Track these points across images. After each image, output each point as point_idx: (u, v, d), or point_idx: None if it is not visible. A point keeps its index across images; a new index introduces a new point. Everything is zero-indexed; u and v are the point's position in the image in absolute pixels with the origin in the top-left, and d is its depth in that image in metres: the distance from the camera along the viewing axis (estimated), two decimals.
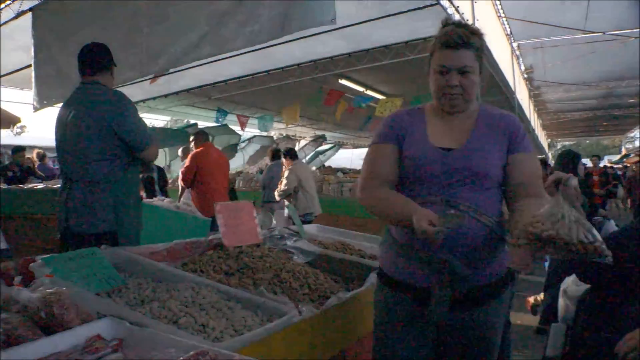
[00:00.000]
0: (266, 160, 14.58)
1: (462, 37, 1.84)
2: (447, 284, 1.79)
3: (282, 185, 7.59)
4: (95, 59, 3.17)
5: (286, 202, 7.15)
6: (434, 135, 1.94)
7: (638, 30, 11.68)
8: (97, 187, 2.97)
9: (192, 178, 6.35)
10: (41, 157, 11.69)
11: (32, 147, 15.86)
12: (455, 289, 1.80)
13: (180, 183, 6.75)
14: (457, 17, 8.57)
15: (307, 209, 7.49)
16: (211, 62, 8.44)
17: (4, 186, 6.09)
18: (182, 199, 6.56)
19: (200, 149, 6.54)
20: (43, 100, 5.86)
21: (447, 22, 1.95)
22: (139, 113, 3.36)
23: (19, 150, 9.13)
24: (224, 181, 6.86)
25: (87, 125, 2.97)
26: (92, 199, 2.96)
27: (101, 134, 2.94)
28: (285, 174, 7.65)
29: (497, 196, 1.92)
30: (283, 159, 7.92)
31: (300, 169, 7.85)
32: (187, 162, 6.59)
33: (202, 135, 6.92)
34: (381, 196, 1.93)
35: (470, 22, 9.10)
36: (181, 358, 1.21)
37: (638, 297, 2.12)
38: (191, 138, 6.99)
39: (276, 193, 7.75)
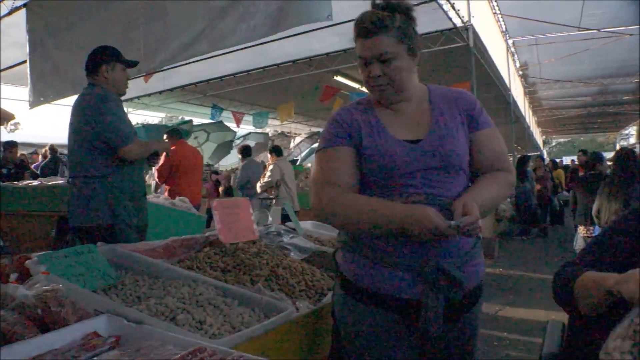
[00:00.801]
0: (262, 157, 14.57)
1: (375, 23, 1.64)
2: (441, 293, 1.59)
3: (266, 177, 7.99)
4: (88, 63, 3.36)
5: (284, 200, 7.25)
6: (393, 128, 1.74)
7: (635, 27, 11.70)
8: (92, 182, 3.12)
9: (167, 174, 6.59)
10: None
11: (26, 144, 15.82)
12: (449, 298, 1.60)
13: (155, 179, 6.96)
14: (452, 14, 8.59)
15: None
16: (206, 58, 8.43)
17: None
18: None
19: (174, 146, 6.75)
20: (39, 97, 5.85)
21: (373, 4, 1.73)
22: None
23: (11, 145, 9.05)
24: (198, 177, 7.24)
25: (75, 124, 3.23)
26: (88, 194, 3.12)
27: (87, 132, 3.13)
28: (270, 167, 8.08)
29: (466, 181, 1.77)
30: (268, 155, 8.23)
31: (284, 165, 8.33)
32: (162, 159, 6.72)
33: (175, 133, 7.18)
34: (349, 202, 1.66)
35: (466, 19, 9.12)
36: (179, 355, 1.21)
37: None
38: (165, 136, 7.21)
39: (258, 185, 8.08)
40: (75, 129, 3.21)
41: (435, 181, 1.66)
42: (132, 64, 3.40)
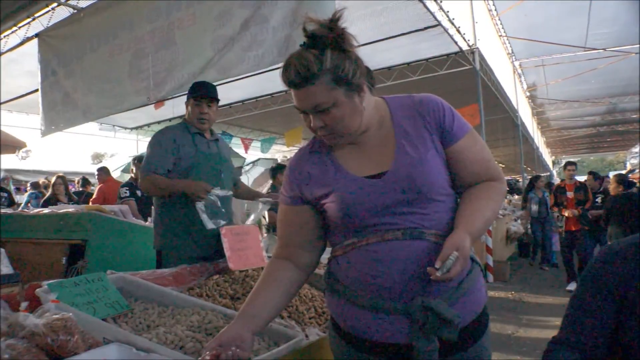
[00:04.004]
0: (271, 183, 14.57)
1: (300, 73, 1.41)
2: (433, 334, 1.42)
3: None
4: None
5: None
6: (353, 164, 1.56)
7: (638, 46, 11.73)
8: (156, 210, 3.28)
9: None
10: (35, 186, 12.02)
11: (37, 172, 15.98)
12: (442, 337, 1.42)
13: None
14: (458, 37, 8.65)
15: None
16: (215, 85, 8.51)
17: (9, 210, 6.13)
18: None
19: (103, 184, 7.59)
20: (50, 125, 5.93)
21: (301, 44, 1.48)
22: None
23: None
24: None
25: None
26: (154, 220, 3.30)
27: None
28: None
29: (452, 203, 1.57)
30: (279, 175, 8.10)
31: None
32: (94, 195, 7.69)
33: (104, 171, 8.05)
34: (265, 268, 1.67)
35: (471, 42, 9.19)
36: None
37: None
38: (96, 174, 7.97)
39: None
40: None
41: (412, 214, 1.48)
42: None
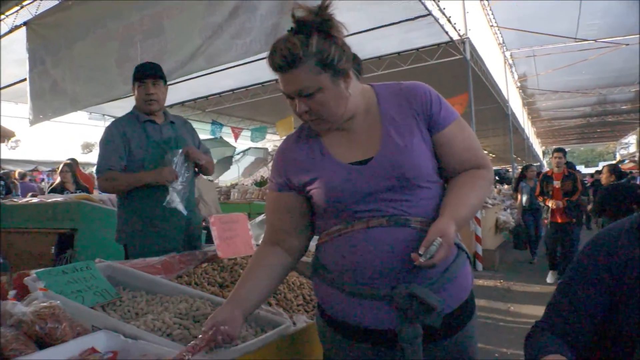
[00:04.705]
0: (261, 172, 14.58)
1: (286, 57, 1.42)
2: (418, 322, 1.43)
3: None
4: None
5: None
6: (339, 150, 1.58)
7: (631, 37, 11.77)
8: (118, 204, 3.24)
9: None
10: (22, 176, 11.92)
11: (26, 162, 15.85)
12: (426, 324, 1.44)
13: None
14: (449, 27, 8.65)
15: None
16: (205, 74, 8.50)
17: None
18: None
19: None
20: (39, 114, 5.89)
21: (288, 29, 1.49)
22: None
23: None
24: None
25: None
26: (117, 215, 3.22)
27: None
28: None
29: (438, 190, 1.57)
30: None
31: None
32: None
33: (68, 166, 7.98)
34: (253, 256, 1.72)
35: (462, 32, 9.20)
36: None
37: None
38: (59, 168, 7.85)
39: None
40: None
41: (398, 201, 1.49)
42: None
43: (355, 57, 1.59)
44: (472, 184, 1.55)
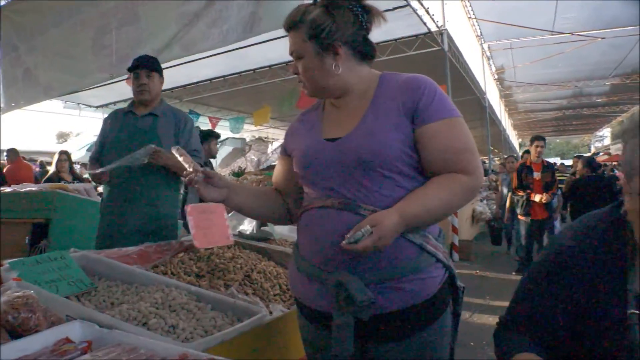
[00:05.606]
0: (239, 162, 14.50)
1: (289, 17, 1.58)
2: (346, 309, 1.43)
3: None
4: None
5: None
6: (327, 125, 1.64)
7: (607, 31, 11.93)
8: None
9: None
10: None
11: None
12: (356, 316, 1.43)
13: None
14: (427, 18, 8.67)
15: None
16: (182, 63, 8.40)
17: None
18: None
19: (12, 164, 8.19)
20: (10, 102, 5.76)
21: None
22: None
23: None
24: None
25: None
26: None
27: None
28: None
29: (407, 185, 1.50)
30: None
31: None
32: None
33: (13, 153, 8.56)
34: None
35: (440, 24, 9.23)
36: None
37: None
38: (4, 155, 8.45)
39: None
40: None
41: (356, 184, 1.48)
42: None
43: (367, 42, 1.63)
44: (441, 185, 1.48)
